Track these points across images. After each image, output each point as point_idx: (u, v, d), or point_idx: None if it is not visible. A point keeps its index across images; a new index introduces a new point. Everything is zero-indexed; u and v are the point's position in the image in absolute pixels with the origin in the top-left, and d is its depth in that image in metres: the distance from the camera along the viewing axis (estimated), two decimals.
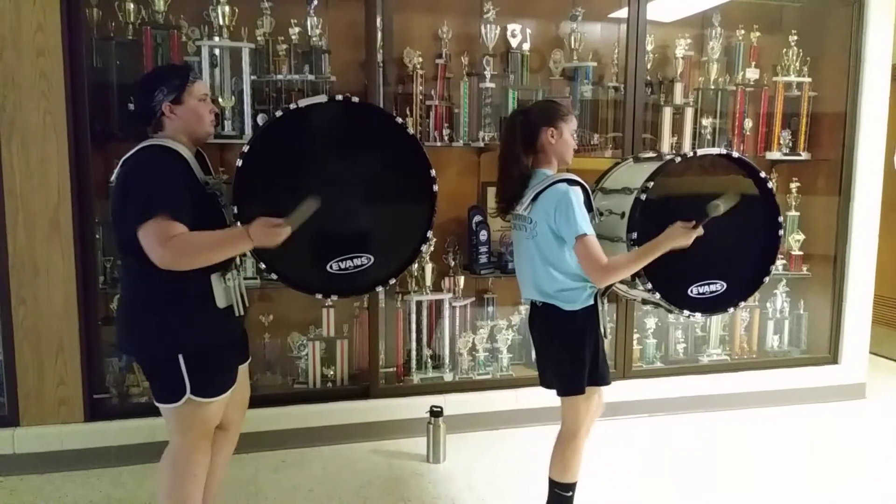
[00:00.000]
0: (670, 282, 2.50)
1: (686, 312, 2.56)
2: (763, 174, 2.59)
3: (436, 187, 2.40)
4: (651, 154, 2.78)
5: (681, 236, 2.29)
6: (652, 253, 2.30)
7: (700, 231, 2.30)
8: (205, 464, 2.27)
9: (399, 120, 2.39)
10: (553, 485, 2.56)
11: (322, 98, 2.29)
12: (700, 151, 2.58)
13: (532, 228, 2.42)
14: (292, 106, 2.22)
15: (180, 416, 2.19)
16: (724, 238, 2.47)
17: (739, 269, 2.63)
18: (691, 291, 2.55)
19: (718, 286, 2.58)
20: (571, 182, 2.38)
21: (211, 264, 2.09)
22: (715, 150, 2.61)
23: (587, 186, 2.44)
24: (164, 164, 2.08)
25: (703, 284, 2.56)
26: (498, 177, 2.53)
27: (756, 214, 2.59)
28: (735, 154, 2.58)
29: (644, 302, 2.76)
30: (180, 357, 2.12)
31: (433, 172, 2.39)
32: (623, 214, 2.48)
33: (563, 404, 2.50)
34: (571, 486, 2.55)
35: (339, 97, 2.29)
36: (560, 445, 2.54)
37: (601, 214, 2.58)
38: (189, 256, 2.03)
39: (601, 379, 2.46)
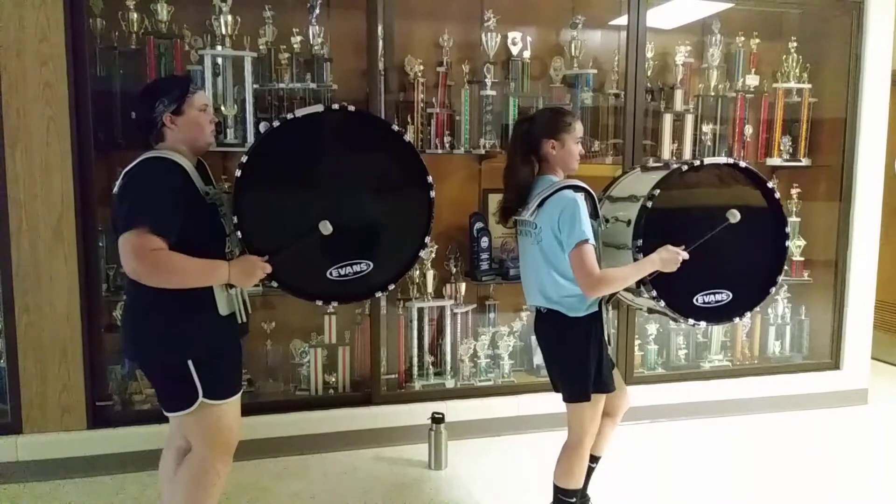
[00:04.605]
0: (676, 291, 2.49)
1: (691, 321, 2.55)
2: (771, 184, 2.59)
3: (433, 193, 2.41)
4: (658, 164, 2.78)
5: (669, 262, 2.35)
6: (640, 271, 2.35)
7: (686, 256, 2.35)
8: (224, 474, 2.28)
9: (396, 128, 2.41)
10: (556, 490, 2.57)
11: (319, 107, 2.31)
12: (707, 160, 2.56)
13: (537, 234, 2.44)
14: (289, 116, 2.23)
15: (197, 422, 2.20)
16: (731, 247, 2.48)
17: (746, 279, 2.62)
18: (697, 300, 2.54)
19: (724, 296, 2.57)
20: (577, 189, 2.40)
21: (182, 288, 2.09)
22: (722, 160, 2.60)
23: (593, 193, 2.45)
24: (159, 178, 2.09)
25: (709, 293, 2.55)
26: (504, 184, 2.55)
27: (763, 224, 2.59)
28: (742, 164, 2.57)
29: (650, 311, 2.76)
30: (189, 362, 2.14)
31: (430, 179, 2.40)
32: (629, 222, 2.48)
33: (568, 411, 2.51)
34: (574, 493, 2.56)
35: (336, 106, 2.30)
36: (565, 452, 2.55)
37: (607, 221, 2.59)
38: (163, 275, 2.04)
39: (605, 386, 2.47)
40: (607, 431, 2.69)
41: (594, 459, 2.71)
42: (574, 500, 2.57)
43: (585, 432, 2.50)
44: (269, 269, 2.18)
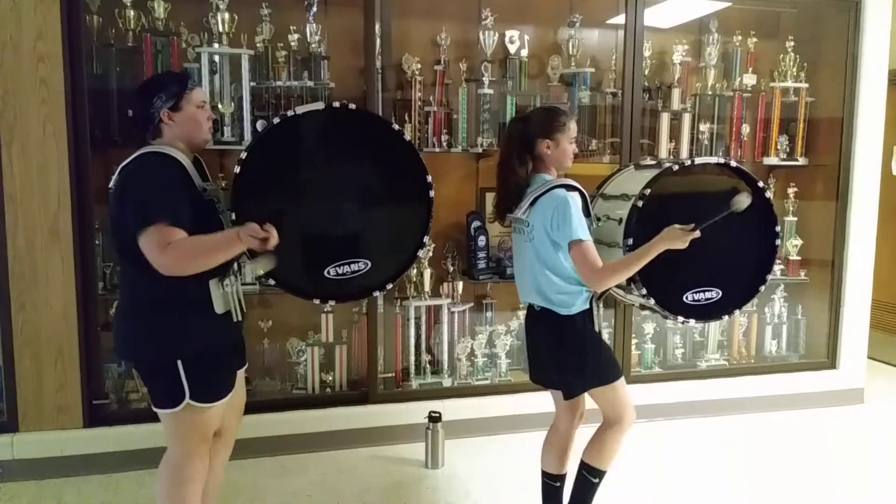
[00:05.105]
0: (666, 288, 2.51)
1: (681, 318, 2.57)
2: (761, 183, 2.60)
3: (432, 192, 2.41)
4: (651, 161, 2.79)
5: (676, 238, 2.28)
6: (647, 255, 2.30)
7: (697, 234, 2.28)
8: (203, 469, 2.27)
9: (395, 126, 2.41)
10: (583, 467, 2.55)
11: (319, 105, 2.31)
12: (698, 160, 2.59)
13: (530, 232, 2.44)
14: (290, 113, 2.23)
15: (179, 422, 2.20)
16: (721, 246, 2.48)
17: (736, 277, 2.64)
18: (687, 298, 2.56)
19: (714, 293, 2.59)
20: (570, 188, 2.40)
21: (211, 267, 2.09)
22: (713, 159, 2.62)
23: (585, 192, 2.46)
24: (161, 171, 2.09)
25: (699, 291, 2.57)
26: (497, 183, 2.55)
27: (753, 223, 2.60)
28: (733, 163, 2.58)
29: (642, 307, 2.77)
30: (179, 362, 2.13)
31: (429, 178, 2.40)
32: (620, 220, 2.50)
33: (597, 400, 2.50)
34: (601, 474, 2.55)
35: (336, 104, 2.30)
36: (601, 430, 2.53)
37: (598, 220, 2.60)
38: (188, 261, 2.04)
39: (613, 374, 2.46)
40: (567, 446, 2.62)
41: (558, 479, 2.64)
42: (598, 480, 2.55)
43: (622, 412, 2.48)
44: (273, 231, 2.05)
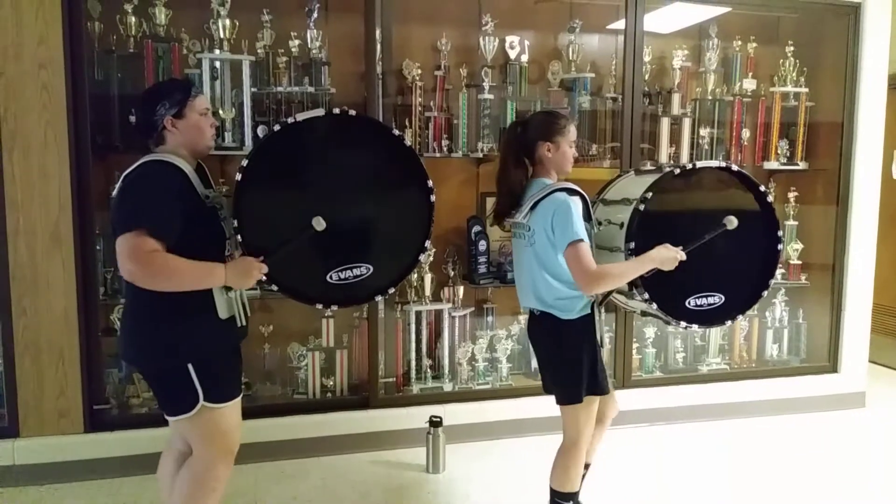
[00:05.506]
0: (668, 293, 2.50)
1: (683, 324, 2.56)
2: (763, 188, 2.60)
3: (433, 197, 2.41)
4: (652, 167, 2.78)
5: (666, 260, 2.34)
6: (639, 268, 2.34)
7: (683, 256, 2.35)
8: (224, 479, 2.28)
9: (396, 132, 2.41)
10: (553, 494, 2.56)
11: (319, 112, 2.31)
12: (699, 164, 2.58)
13: (531, 236, 2.44)
14: (290, 120, 2.24)
15: (198, 426, 2.20)
16: (724, 251, 2.48)
17: (738, 282, 2.63)
18: (689, 303, 2.55)
19: (717, 299, 2.58)
20: (571, 192, 2.40)
21: (177, 290, 2.08)
22: (714, 163, 2.61)
23: (586, 196, 2.46)
24: (159, 180, 2.09)
25: (702, 297, 2.56)
26: (496, 187, 2.55)
27: (756, 228, 2.59)
28: (734, 167, 2.58)
29: (644, 314, 2.77)
30: (190, 366, 2.13)
31: (430, 183, 2.41)
32: (622, 225, 2.49)
33: (563, 414, 2.51)
34: (571, 496, 2.56)
35: (337, 110, 2.30)
36: (561, 455, 2.55)
37: (600, 224, 2.60)
38: (159, 277, 2.03)
39: (600, 388, 2.47)
40: (596, 437, 2.67)
41: (584, 466, 2.68)
42: (570, 503, 2.56)
43: (580, 434, 2.49)
44: (265, 269, 2.17)
